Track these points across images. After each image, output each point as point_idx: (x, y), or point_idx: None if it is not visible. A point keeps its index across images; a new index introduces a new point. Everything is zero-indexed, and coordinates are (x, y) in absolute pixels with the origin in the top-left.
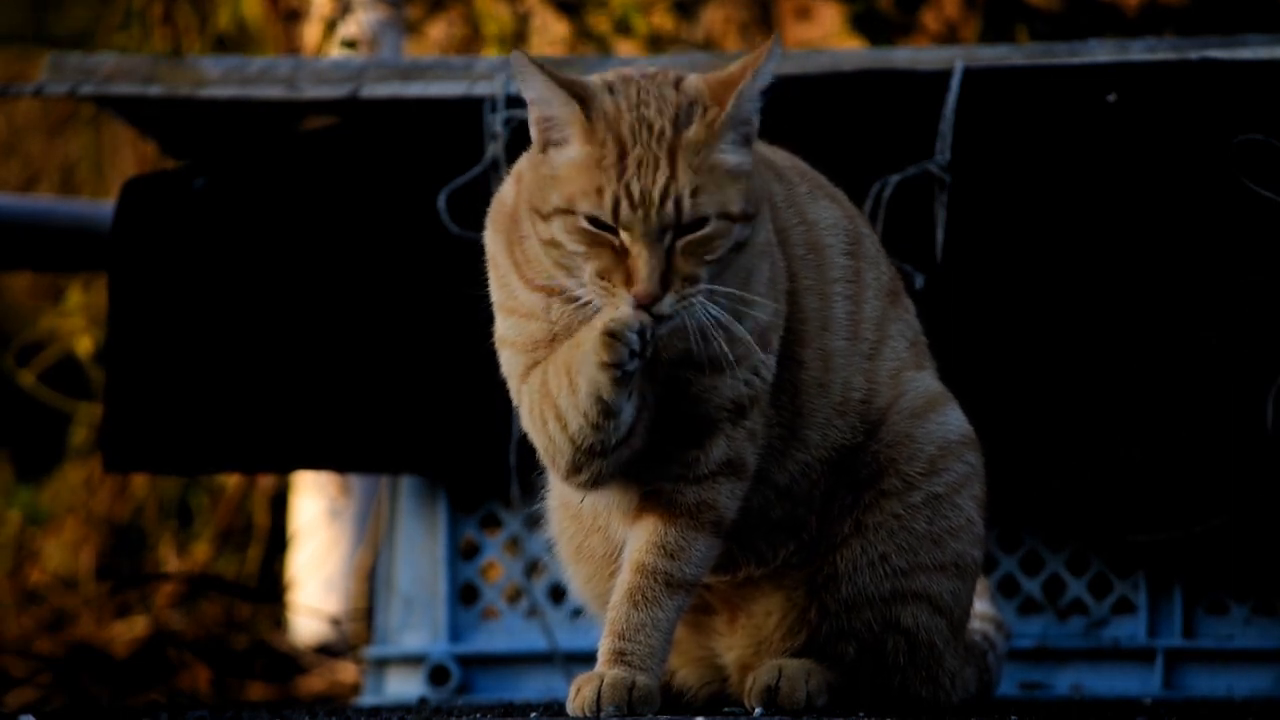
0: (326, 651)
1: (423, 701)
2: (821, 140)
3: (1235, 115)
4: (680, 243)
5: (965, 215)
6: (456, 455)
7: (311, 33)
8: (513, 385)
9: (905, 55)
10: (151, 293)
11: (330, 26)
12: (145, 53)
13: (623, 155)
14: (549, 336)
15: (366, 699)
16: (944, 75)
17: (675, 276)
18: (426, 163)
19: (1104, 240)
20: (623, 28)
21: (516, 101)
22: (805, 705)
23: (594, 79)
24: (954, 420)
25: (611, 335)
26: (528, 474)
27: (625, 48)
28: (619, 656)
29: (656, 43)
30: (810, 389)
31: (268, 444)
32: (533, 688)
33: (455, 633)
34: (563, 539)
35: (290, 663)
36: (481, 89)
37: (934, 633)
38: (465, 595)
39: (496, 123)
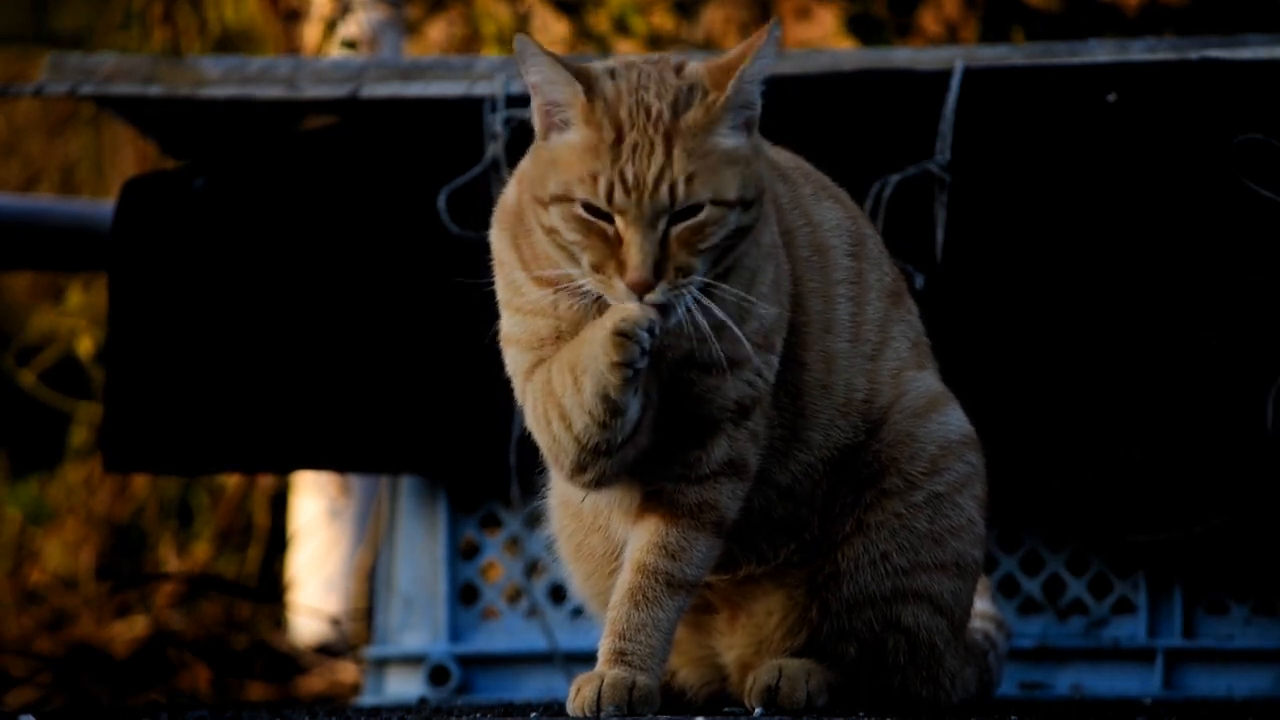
0: (326, 651)
1: (423, 701)
2: (821, 140)
3: (1235, 115)
4: (675, 230)
5: (965, 215)
6: (456, 455)
7: (311, 33)
8: (517, 384)
9: (905, 55)
10: (151, 293)
11: (330, 26)
12: (145, 53)
13: (619, 140)
14: (555, 334)
15: (366, 699)
16: (944, 75)
17: (670, 265)
18: (426, 163)
19: (1104, 240)
20: (622, 27)
21: (516, 101)
22: (805, 705)
23: (596, 64)
24: (955, 420)
25: (623, 335)
26: (528, 474)
27: (625, 47)
28: (619, 656)
29: (656, 42)
30: (813, 390)
31: (268, 444)
32: (533, 688)
33: (455, 633)
34: (563, 537)
35: (290, 663)
36: (481, 89)
37: (934, 632)
38: (465, 595)
39: (496, 123)
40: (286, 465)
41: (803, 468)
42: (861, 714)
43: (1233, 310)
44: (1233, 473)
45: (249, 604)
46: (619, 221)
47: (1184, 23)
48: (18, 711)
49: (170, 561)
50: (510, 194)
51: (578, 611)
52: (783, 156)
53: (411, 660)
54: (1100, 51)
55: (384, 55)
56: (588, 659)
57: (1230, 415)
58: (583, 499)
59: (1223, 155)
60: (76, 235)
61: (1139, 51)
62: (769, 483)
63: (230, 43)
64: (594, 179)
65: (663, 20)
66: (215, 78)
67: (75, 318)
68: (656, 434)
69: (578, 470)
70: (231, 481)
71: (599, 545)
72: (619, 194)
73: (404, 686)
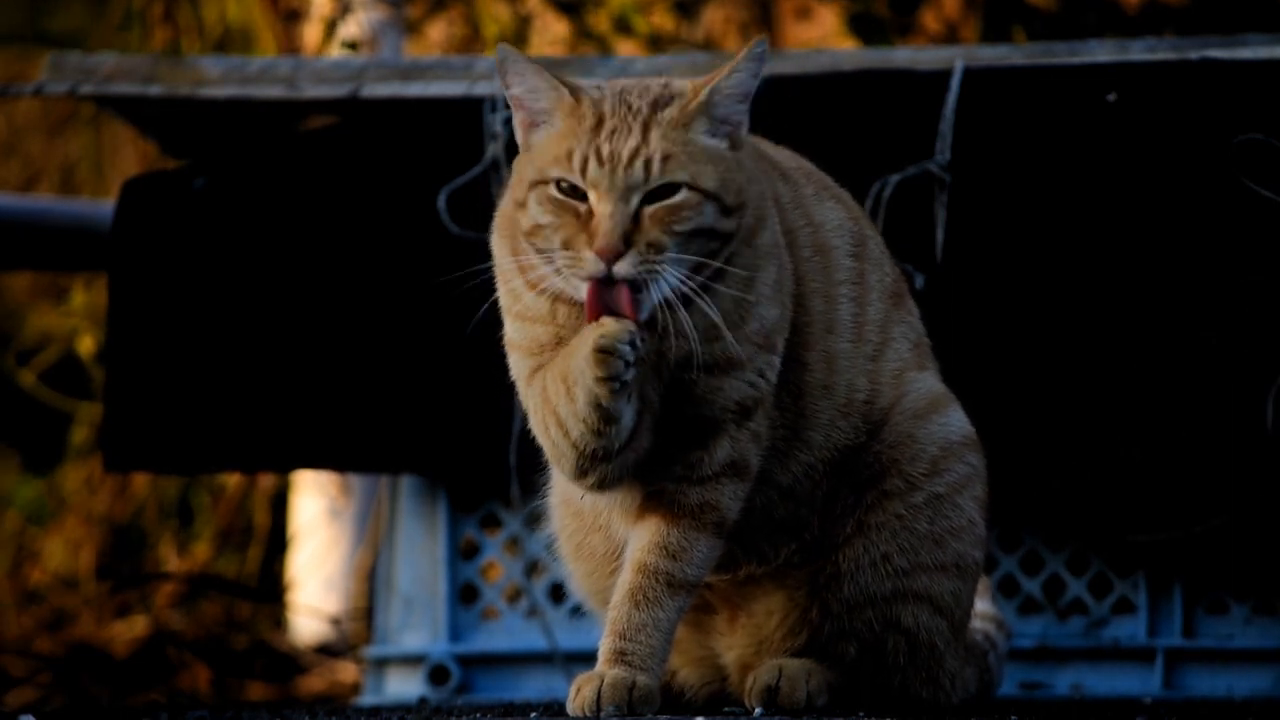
0: (326, 651)
1: (423, 701)
2: (821, 140)
3: (1235, 115)
4: (649, 209)
5: (965, 215)
6: (456, 455)
7: (311, 33)
8: (520, 388)
9: (905, 55)
10: (151, 293)
11: (330, 26)
12: (145, 52)
13: (599, 125)
14: (555, 339)
15: (366, 699)
16: (944, 75)
17: (640, 238)
18: (426, 163)
19: (1104, 240)
20: (623, 27)
21: None
22: (805, 705)
23: (582, 82)
24: (956, 421)
25: (604, 351)
26: (528, 474)
27: (625, 47)
28: (619, 656)
29: (656, 43)
30: (814, 391)
31: (268, 444)
32: (533, 688)
33: (455, 633)
34: (563, 535)
35: (290, 663)
36: (481, 89)
37: (935, 633)
38: (465, 595)
39: (496, 123)
40: (286, 465)
41: (804, 468)
42: (861, 714)
43: (1233, 310)
44: (1233, 473)
45: (249, 604)
46: (592, 196)
47: (1184, 23)
48: (18, 711)
49: (170, 561)
50: (507, 202)
51: (577, 611)
52: (784, 156)
53: (411, 660)
54: (1100, 51)
55: (384, 55)
56: (588, 659)
57: (1230, 415)
58: (582, 498)
59: (1223, 155)
60: (76, 235)
61: (1139, 51)
62: (770, 483)
63: (230, 43)
64: (569, 156)
65: (663, 20)
66: (215, 77)
67: (76, 318)
68: (659, 435)
69: (580, 475)
70: (231, 481)
71: (600, 544)
72: (592, 166)
73: (404, 686)
